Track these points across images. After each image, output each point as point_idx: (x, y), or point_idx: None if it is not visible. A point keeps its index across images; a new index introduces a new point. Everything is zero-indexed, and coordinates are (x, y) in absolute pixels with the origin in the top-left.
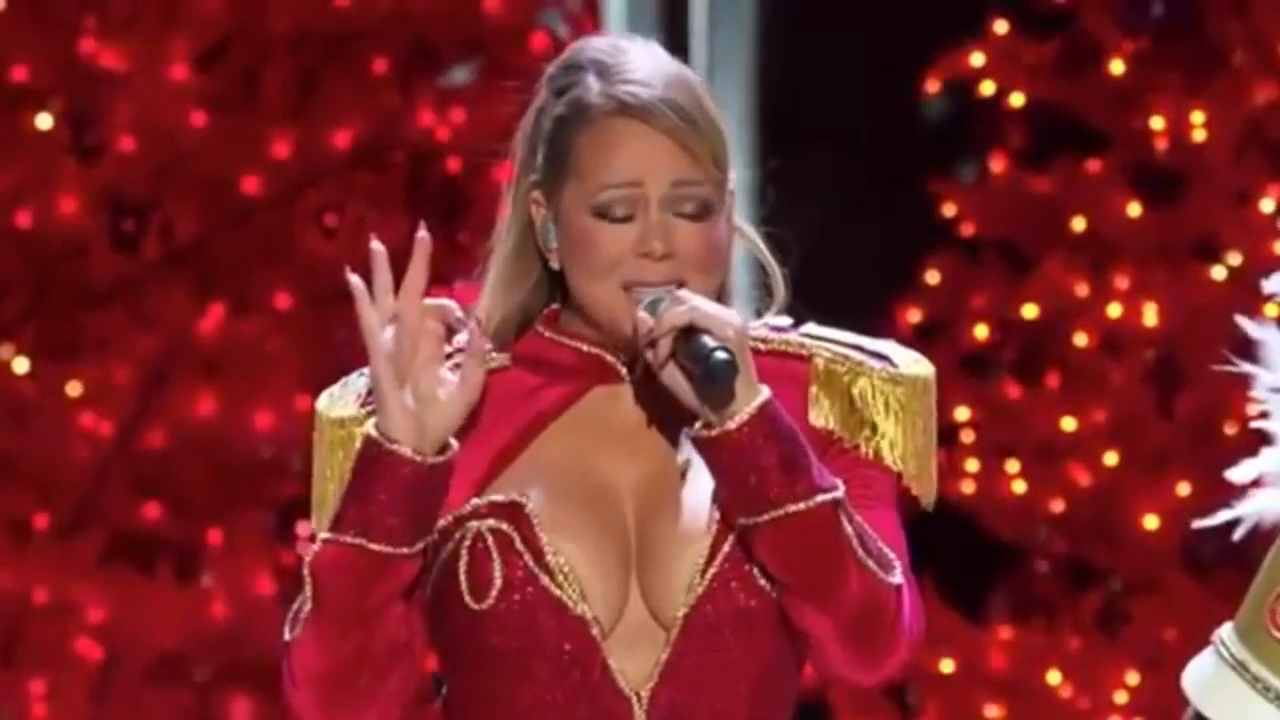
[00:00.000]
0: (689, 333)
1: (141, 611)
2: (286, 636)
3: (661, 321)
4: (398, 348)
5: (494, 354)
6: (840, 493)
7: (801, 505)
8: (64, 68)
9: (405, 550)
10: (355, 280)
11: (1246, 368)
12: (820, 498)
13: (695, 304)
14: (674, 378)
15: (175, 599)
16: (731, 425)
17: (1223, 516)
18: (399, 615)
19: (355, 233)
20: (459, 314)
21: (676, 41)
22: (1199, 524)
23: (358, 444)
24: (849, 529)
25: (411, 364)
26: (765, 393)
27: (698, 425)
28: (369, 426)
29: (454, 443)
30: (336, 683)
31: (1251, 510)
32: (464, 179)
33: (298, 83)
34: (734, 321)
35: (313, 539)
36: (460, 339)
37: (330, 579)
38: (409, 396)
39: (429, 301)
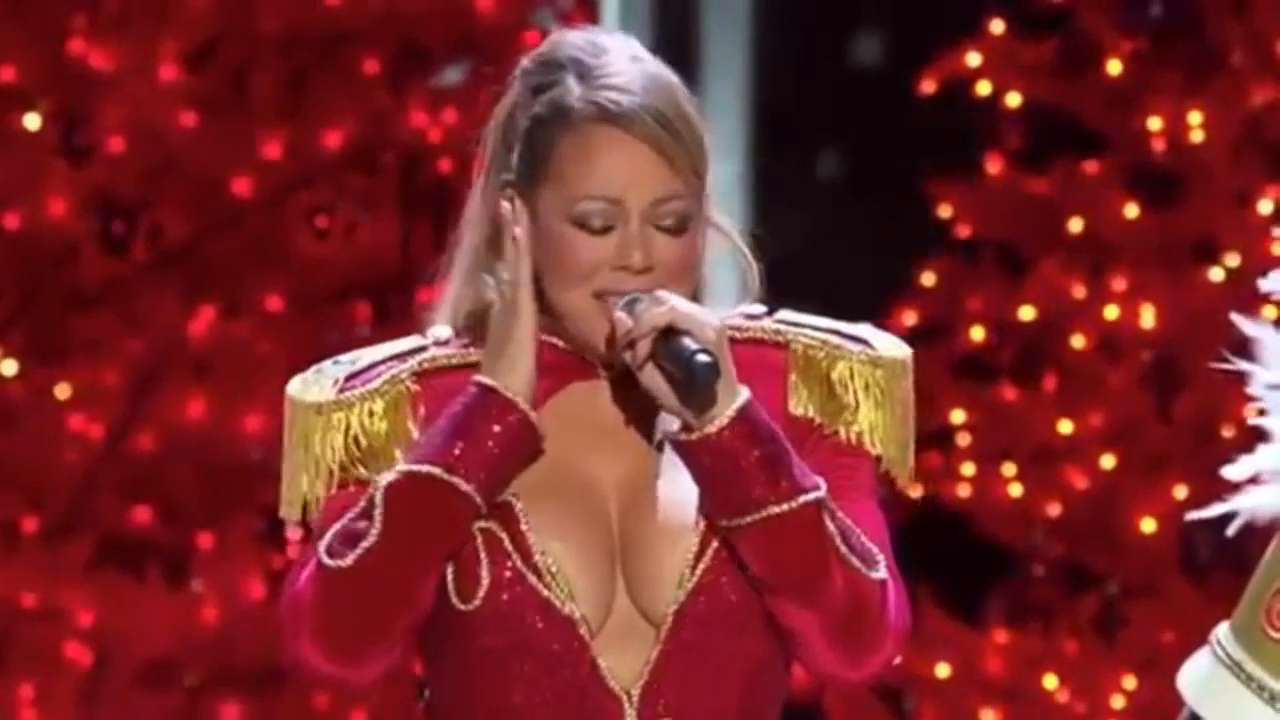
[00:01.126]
0: (668, 334)
1: (131, 616)
2: (328, 561)
3: (641, 322)
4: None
5: (469, 349)
6: (823, 491)
7: (784, 506)
8: (53, 68)
9: (483, 507)
10: (520, 232)
11: (1243, 365)
12: (803, 498)
13: (674, 304)
14: (653, 379)
15: (165, 603)
16: (711, 429)
17: (1217, 510)
18: (435, 586)
19: (346, 234)
20: None
21: (672, 40)
22: (1192, 515)
23: (335, 427)
24: (832, 527)
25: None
26: (745, 394)
27: (676, 428)
28: (483, 377)
29: None
30: (370, 622)
31: (1246, 506)
32: (456, 180)
33: (288, 83)
34: (713, 323)
35: (306, 538)
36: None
37: (409, 510)
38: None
39: None
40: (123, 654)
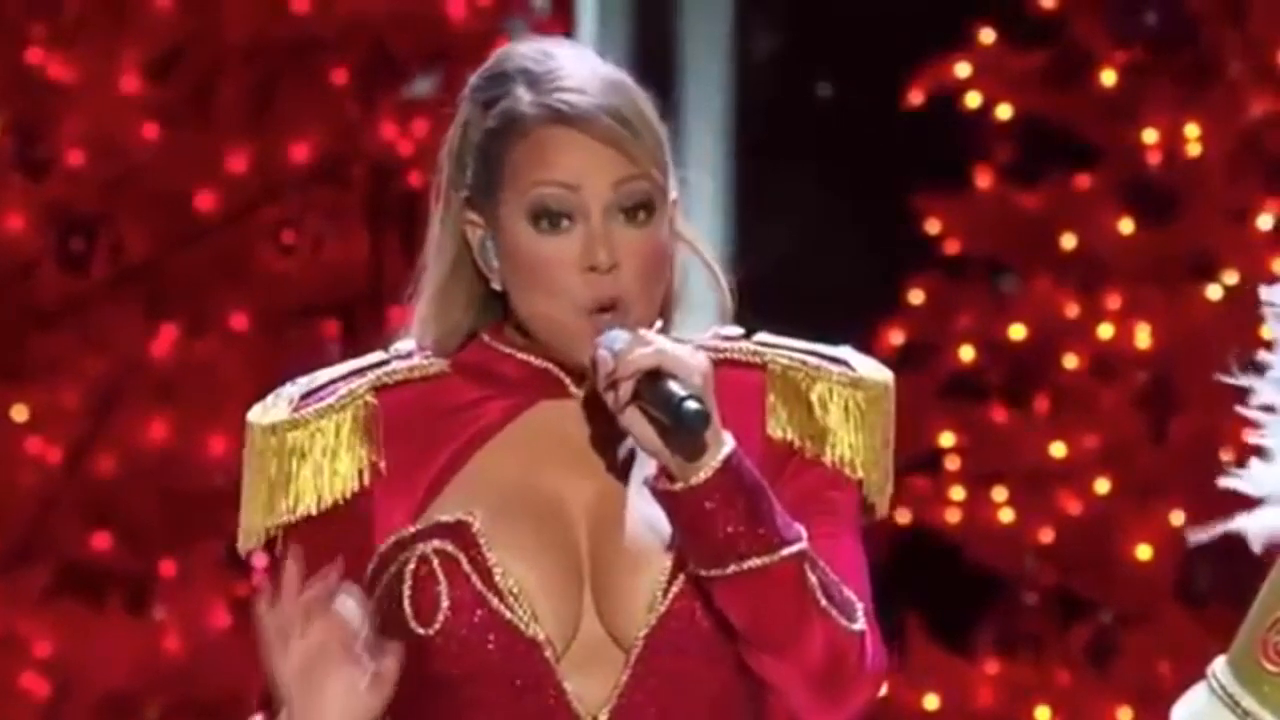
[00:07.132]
0: (653, 376)
1: (91, 645)
2: None
3: (625, 363)
4: (309, 663)
5: (430, 359)
6: (804, 544)
7: (765, 559)
8: (10, 78)
9: None
10: (261, 610)
11: (1245, 381)
12: (784, 551)
13: (661, 346)
14: (635, 421)
15: (126, 632)
16: (696, 480)
17: (1219, 529)
18: None
19: (314, 250)
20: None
21: (651, 50)
22: (1193, 538)
23: (291, 448)
24: (813, 579)
25: (325, 675)
26: (730, 444)
27: (656, 475)
28: None
29: None
30: None
31: (1245, 525)
32: (427, 193)
33: (254, 93)
34: (701, 366)
35: (262, 568)
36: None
37: None
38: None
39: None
40: (82, 685)
